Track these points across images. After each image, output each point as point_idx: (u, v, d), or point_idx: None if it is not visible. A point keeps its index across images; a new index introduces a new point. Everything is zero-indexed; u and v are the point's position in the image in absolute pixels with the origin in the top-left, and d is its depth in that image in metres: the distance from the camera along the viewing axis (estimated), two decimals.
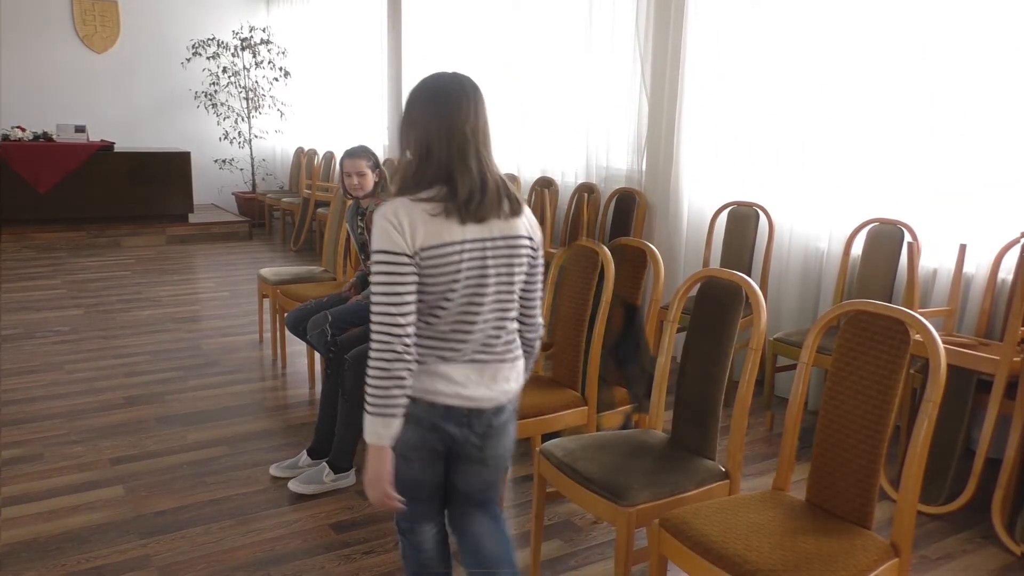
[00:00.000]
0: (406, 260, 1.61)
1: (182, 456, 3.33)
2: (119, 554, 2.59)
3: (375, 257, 1.63)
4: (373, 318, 1.62)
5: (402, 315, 1.61)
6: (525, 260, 1.76)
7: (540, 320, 1.90)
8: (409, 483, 1.78)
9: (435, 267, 1.63)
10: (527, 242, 1.75)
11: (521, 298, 1.80)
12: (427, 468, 1.80)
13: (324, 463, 3.08)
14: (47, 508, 2.88)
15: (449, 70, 1.77)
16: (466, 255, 1.65)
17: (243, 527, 2.78)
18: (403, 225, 1.61)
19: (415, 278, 1.62)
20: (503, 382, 1.77)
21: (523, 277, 1.78)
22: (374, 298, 1.63)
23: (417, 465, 1.78)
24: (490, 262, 1.69)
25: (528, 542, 2.59)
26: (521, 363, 1.84)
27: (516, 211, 1.73)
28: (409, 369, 1.63)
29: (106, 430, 3.58)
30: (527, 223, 1.76)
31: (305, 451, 3.23)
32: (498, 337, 1.76)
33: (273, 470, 3.18)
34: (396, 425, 1.64)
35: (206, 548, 2.64)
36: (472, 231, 1.66)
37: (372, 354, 1.62)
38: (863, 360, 1.92)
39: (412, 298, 1.62)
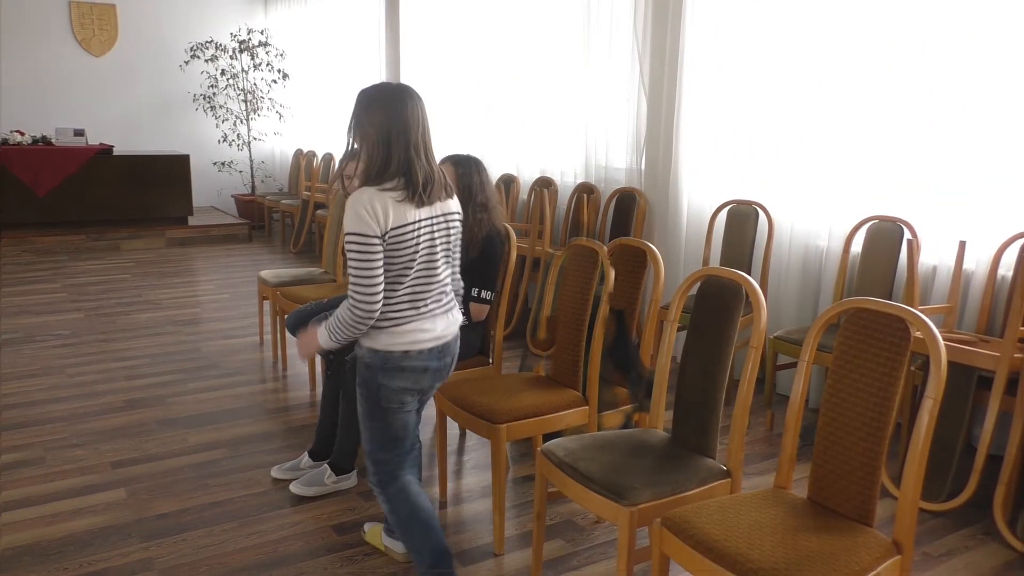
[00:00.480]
0: (377, 241, 2.03)
1: (183, 459, 3.33)
2: (121, 557, 2.60)
3: (349, 238, 2.03)
4: (351, 286, 2.06)
5: (374, 284, 2.05)
6: (456, 230, 2.27)
7: (459, 276, 2.43)
8: (401, 426, 2.24)
9: (401, 242, 2.07)
10: (457, 216, 2.27)
11: None
12: (412, 409, 2.27)
13: (325, 465, 3.08)
14: (48, 512, 2.88)
15: (393, 81, 2.25)
16: (422, 230, 2.11)
17: (245, 529, 2.78)
18: (376, 212, 2.02)
19: (382, 255, 2.05)
20: (454, 321, 2.30)
21: (457, 243, 2.30)
22: (351, 271, 2.05)
23: (409, 407, 2.24)
24: (437, 234, 2.17)
25: (530, 542, 2.59)
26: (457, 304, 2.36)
27: (450, 194, 2.24)
28: (369, 324, 2.11)
29: (107, 433, 3.58)
30: (455, 202, 2.28)
31: (306, 453, 3.23)
32: (446, 291, 2.26)
33: (274, 472, 3.18)
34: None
35: (208, 551, 2.64)
36: (424, 212, 2.12)
37: (348, 310, 2.08)
38: (864, 358, 1.92)
39: (381, 270, 2.06)
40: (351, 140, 2.15)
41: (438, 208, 2.17)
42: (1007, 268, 3.23)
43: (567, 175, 5.62)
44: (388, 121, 2.06)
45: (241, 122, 9.88)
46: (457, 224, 2.27)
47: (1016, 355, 2.72)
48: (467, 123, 6.56)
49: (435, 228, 2.16)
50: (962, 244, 3.25)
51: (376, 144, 2.06)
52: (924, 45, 3.46)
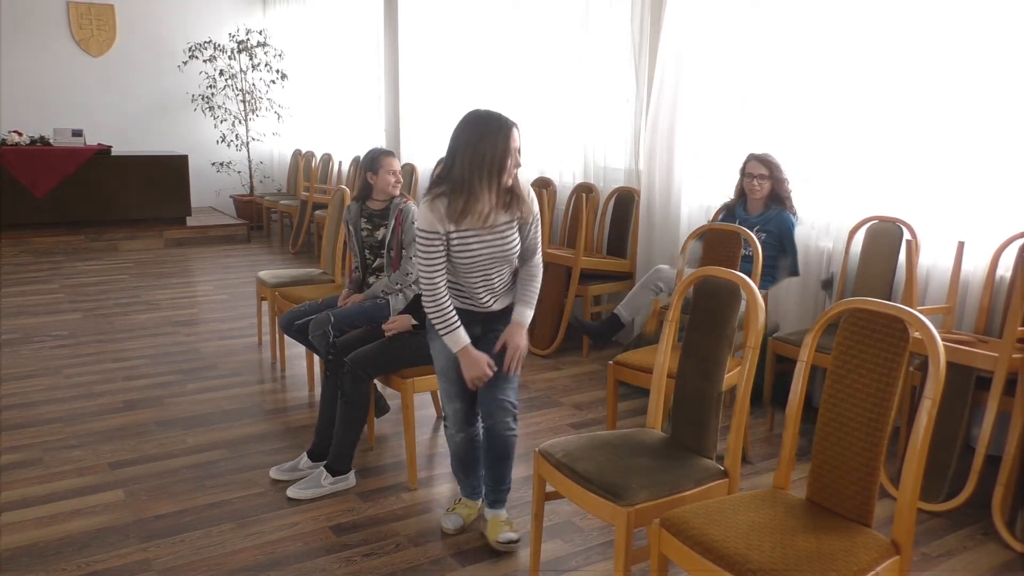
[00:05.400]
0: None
1: (182, 459, 3.33)
2: (119, 558, 2.59)
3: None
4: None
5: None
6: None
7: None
8: None
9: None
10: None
11: None
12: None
13: (322, 467, 3.08)
14: (47, 512, 2.88)
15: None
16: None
17: (243, 530, 2.78)
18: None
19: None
20: None
21: None
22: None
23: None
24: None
25: (528, 543, 2.59)
26: None
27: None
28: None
29: (105, 434, 3.57)
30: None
31: (305, 453, 3.23)
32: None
33: (273, 473, 3.17)
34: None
35: (206, 552, 2.64)
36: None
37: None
38: (863, 358, 1.92)
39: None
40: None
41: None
42: (1006, 268, 3.23)
43: (565, 175, 5.62)
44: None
45: (239, 122, 9.87)
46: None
47: (1015, 355, 2.72)
48: None
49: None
50: (961, 244, 3.25)
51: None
52: (923, 48, 3.46)
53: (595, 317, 5.15)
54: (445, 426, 2.79)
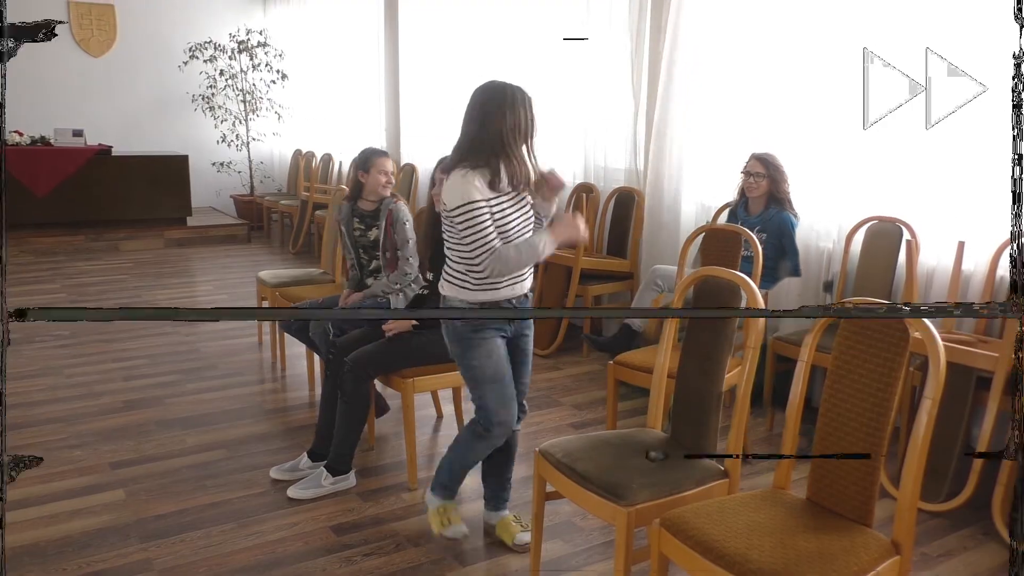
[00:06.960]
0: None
1: (182, 460, 3.33)
2: (120, 558, 2.59)
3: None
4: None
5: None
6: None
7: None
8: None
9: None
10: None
11: None
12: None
13: (322, 467, 3.08)
14: (47, 512, 2.88)
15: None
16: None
17: (244, 530, 2.78)
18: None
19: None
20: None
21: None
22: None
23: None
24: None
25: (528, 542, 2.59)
26: None
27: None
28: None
29: (106, 434, 3.58)
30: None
31: (306, 453, 3.23)
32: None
33: (274, 473, 3.17)
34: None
35: (207, 552, 2.64)
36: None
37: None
38: (863, 358, 1.92)
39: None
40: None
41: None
42: (1006, 269, 3.23)
43: (566, 175, 5.60)
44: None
45: (240, 122, 9.87)
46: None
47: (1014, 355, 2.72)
48: None
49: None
50: (961, 244, 3.25)
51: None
52: (924, 44, 3.46)
53: (595, 324, 5.14)
54: (479, 434, 2.55)
